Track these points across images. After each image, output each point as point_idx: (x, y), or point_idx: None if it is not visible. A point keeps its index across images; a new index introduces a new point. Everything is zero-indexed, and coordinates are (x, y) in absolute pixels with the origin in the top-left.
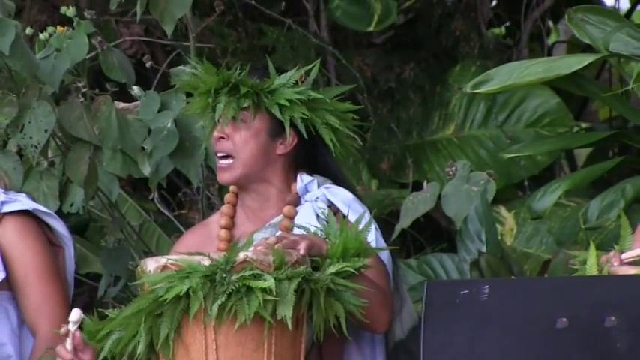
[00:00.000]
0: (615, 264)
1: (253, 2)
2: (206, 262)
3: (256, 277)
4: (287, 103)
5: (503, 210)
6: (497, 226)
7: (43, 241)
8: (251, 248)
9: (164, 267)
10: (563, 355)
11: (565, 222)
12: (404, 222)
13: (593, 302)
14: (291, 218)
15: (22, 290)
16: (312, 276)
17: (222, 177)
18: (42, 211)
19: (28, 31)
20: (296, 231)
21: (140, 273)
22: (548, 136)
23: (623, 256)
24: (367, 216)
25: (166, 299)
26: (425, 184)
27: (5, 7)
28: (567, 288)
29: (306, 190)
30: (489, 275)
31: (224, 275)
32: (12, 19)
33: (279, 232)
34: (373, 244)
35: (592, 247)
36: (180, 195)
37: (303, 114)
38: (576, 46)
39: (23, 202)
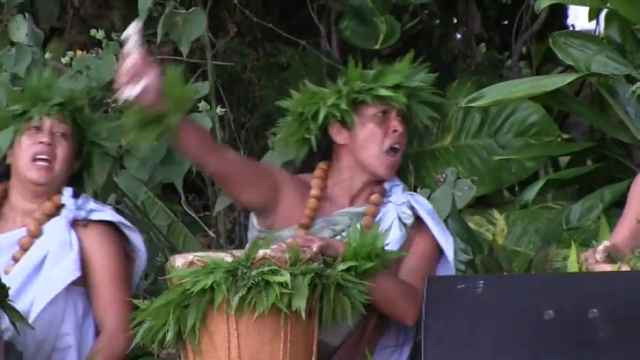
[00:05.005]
0: (591, 261)
1: (271, 25)
2: (229, 259)
3: (274, 272)
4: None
5: (495, 212)
6: (490, 226)
7: (121, 251)
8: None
9: (191, 263)
10: (550, 344)
11: (551, 223)
12: None
13: (577, 296)
14: (378, 205)
15: (96, 289)
16: (324, 272)
17: None
18: (125, 225)
19: (47, 55)
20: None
21: (169, 268)
22: (536, 144)
23: (597, 257)
24: (446, 232)
25: (193, 292)
26: (419, 189)
27: (36, 35)
28: (554, 283)
29: (390, 191)
30: (483, 272)
31: (245, 271)
32: (43, 44)
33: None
34: (450, 253)
35: (573, 246)
36: (207, 194)
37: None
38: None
39: (110, 214)
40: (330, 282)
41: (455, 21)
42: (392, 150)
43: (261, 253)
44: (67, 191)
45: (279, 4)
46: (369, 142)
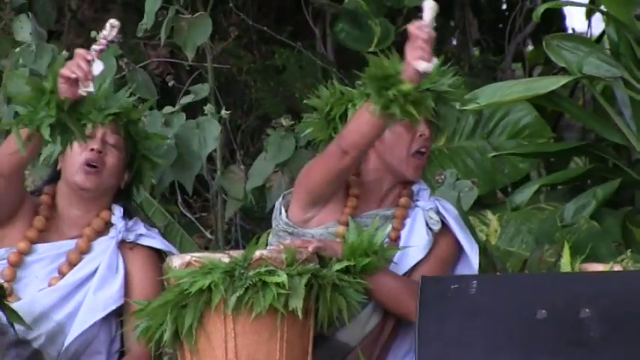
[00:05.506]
0: None
1: (265, 28)
2: (226, 260)
3: (271, 272)
4: None
5: (489, 213)
6: (483, 227)
7: (161, 277)
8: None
9: (188, 264)
10: (542, 343)
11: (543, 223)
12: None
13: (569, 296)
14: (407, 208)
15: (130, 312)
16: (321, 272)
17: None
18: (172, 253)
19: (64, 54)
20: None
21: (167, 269)
22: (529, 146)
23: None
24: (471, 239)
25: (190, 292)
26: None
27: (39, 33)
28: (546, 283)
29: (417, 194)
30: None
31: (242, 271)
32: (46, 43)
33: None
34: (475, 260)
35: (566, 246)
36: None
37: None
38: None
39: (159, 241)
40: (326, 282)
41: (452, 24)
42: (418, 153)
43: (257, 253)
44: (118, 210)
45: (274, 7)
46: (397, 145)
